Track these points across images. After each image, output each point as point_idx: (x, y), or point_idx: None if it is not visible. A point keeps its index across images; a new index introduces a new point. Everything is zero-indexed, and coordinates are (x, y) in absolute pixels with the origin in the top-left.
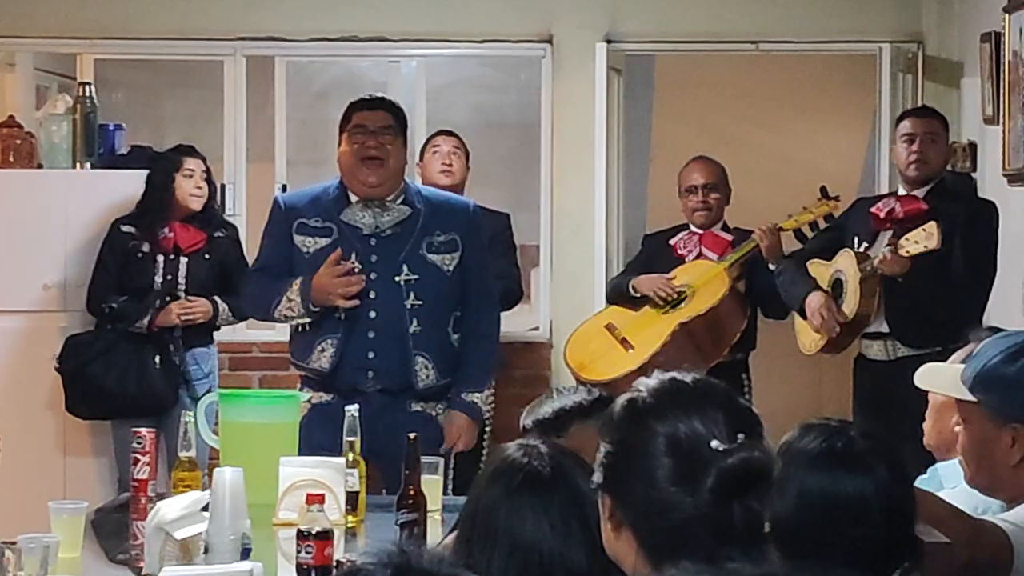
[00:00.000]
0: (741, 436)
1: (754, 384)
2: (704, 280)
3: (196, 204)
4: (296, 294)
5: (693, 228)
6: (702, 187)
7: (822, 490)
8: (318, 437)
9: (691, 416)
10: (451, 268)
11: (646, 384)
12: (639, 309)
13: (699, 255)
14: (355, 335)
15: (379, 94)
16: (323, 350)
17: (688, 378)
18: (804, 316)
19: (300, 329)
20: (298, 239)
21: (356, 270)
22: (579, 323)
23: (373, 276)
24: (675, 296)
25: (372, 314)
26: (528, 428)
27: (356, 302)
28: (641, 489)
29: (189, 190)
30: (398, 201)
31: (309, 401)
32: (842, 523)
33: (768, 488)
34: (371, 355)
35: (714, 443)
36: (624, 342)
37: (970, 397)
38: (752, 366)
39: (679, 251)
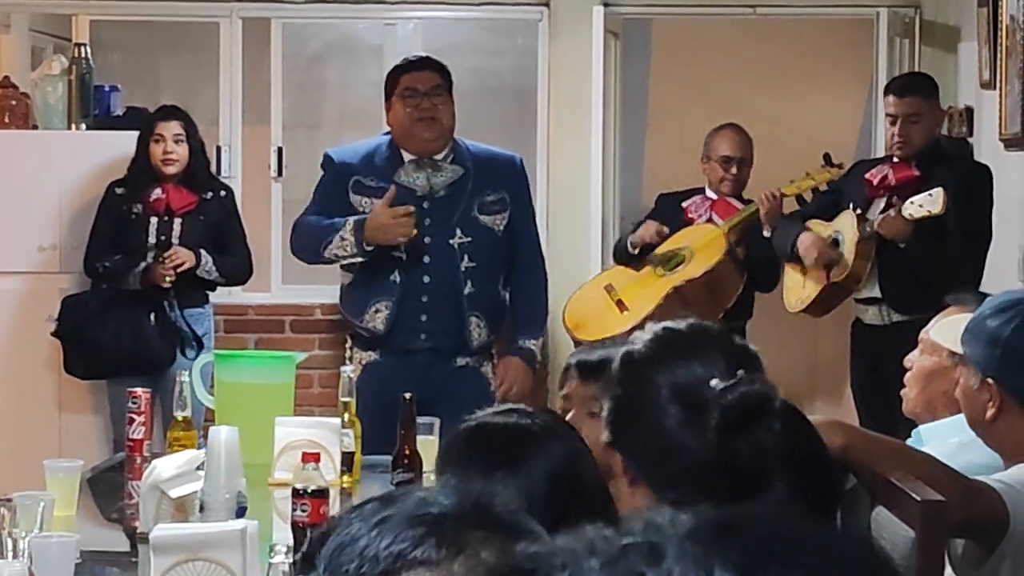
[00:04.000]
0: (741, 372)
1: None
2: (703, 243)
3: (170, 169)
4: (351, 233)
5: (708, 193)
6: (737, 160)
7: None
8: (373, 397)
9: (690, 361)
10: (501, 228)
11: (641, 337)
12: (640, 269)
13: (709, 220)
14: (409, 298)
15: (423, 54)
16: (377, 311)
17: (682, 325)
18: (795, 261)
19: (353, 286)
20: (355, 198)
21: (412, 212)
22: (574, 287)
23: (427, 240)
24: (667, 251)
25: (426, 279)
26: (571, 366)
27: (414, 233)
28: (649, 440)
29: (159, 156)
30: (449, 160)
31: (360, 362)
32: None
33: (772, 419)
34: (424, 318)
35: (713, 382)
36: (620, 303)
37: (960, 349)
38: (749, 333)
39: (690, 214)
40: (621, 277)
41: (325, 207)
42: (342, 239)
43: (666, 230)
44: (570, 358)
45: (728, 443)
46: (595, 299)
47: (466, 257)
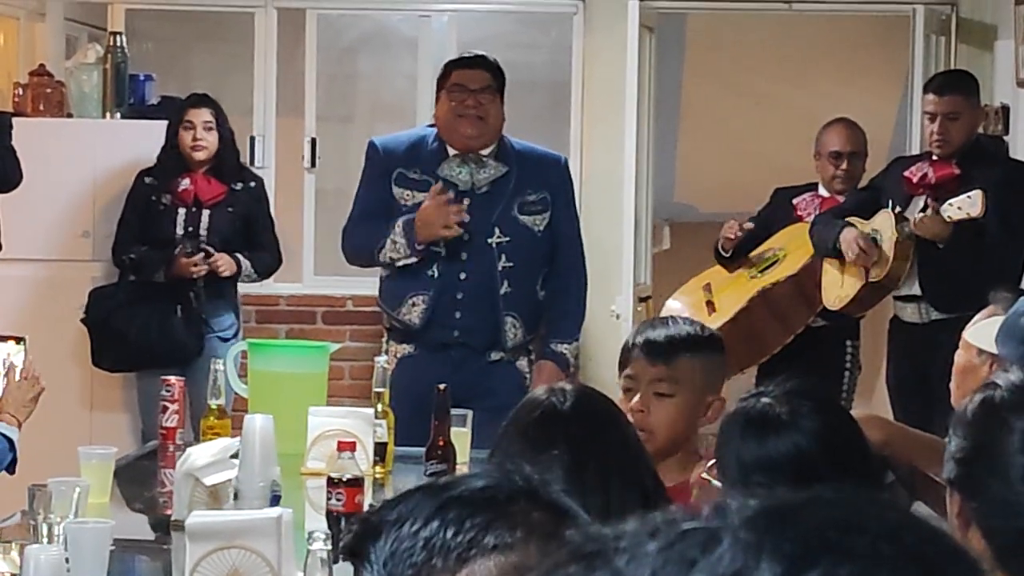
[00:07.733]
0: None
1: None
2: (797, 244)
3: (199, 155)
4: (401, 235)
5: (821, 190)
6: (848, 155)
7: (758, 459)
8: (406, 390)
9: None
10: (541, 228)
11: (1004, 379)
12: (734, 270)
13: None
14: (445, 294)
15: (478, 52)
16: (414, 304)
17: None
18: (836, 256)
19: (391, 278)
20: (397, 191)
21: (461, 209)
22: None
23: (466, 237)
24: (764, 250)
25: (463, 275)
26: (637, 345)
27: (460, 230)
28: (994, 488)
29: (188, 143)
30: (493, 156)
31: (395, 355)
32: (794, 482)
33: None
34: (458, 315)
35: None
36: (710, 304)
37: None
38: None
39: (799, 211)
40: (720, 276)
41: (367, 202)
42: (394, 242)
43: (750, 224)
44: (635, 337)
45: None
46: (692, 296)
47: (504, 257)
